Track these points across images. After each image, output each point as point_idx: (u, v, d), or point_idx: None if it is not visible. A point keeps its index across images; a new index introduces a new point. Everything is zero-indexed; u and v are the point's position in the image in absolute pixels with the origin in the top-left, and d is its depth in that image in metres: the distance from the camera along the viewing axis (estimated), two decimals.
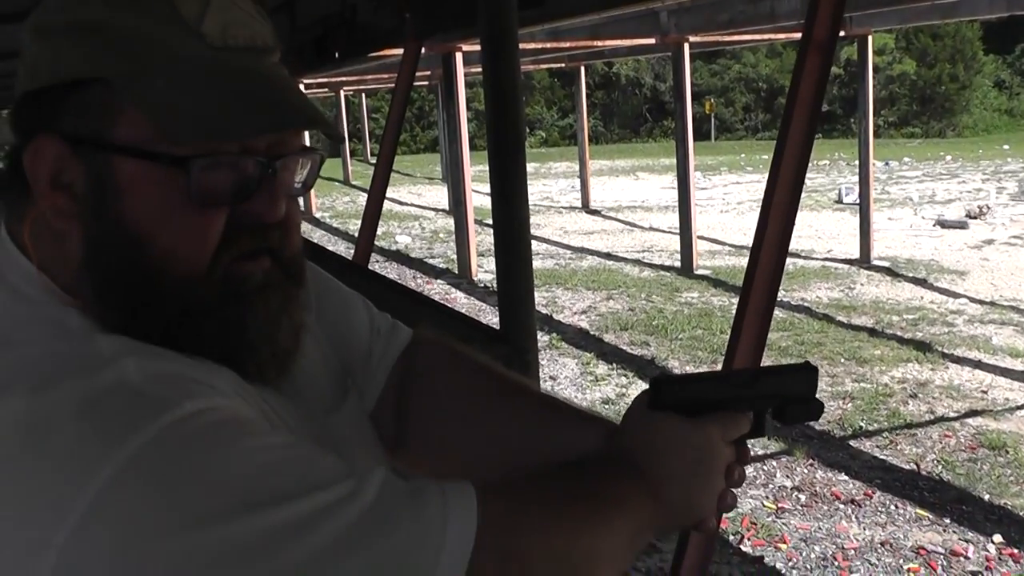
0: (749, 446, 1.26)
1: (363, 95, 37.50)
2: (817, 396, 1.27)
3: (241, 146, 1.03)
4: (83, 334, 0.98)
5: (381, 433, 1.36)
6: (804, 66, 3.64)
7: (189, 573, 0.85)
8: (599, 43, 15.46)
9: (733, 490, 1.23)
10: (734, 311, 11.15)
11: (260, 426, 0.99)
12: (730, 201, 23.02)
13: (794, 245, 4.77)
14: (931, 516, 5.74)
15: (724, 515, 1.34)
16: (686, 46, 13.87)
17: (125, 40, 1.00)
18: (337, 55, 8.11)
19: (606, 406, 7.81)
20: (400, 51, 8.26)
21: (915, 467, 6.46)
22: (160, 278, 1.01)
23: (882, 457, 6.66)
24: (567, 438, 1.30)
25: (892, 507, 5.87)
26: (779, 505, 5.94)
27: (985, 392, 7.92)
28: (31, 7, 1.08)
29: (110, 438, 0.86)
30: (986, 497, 5.98)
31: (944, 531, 5.55)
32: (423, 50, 8.35)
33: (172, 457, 0.87)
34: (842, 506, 5.92)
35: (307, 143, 1.16)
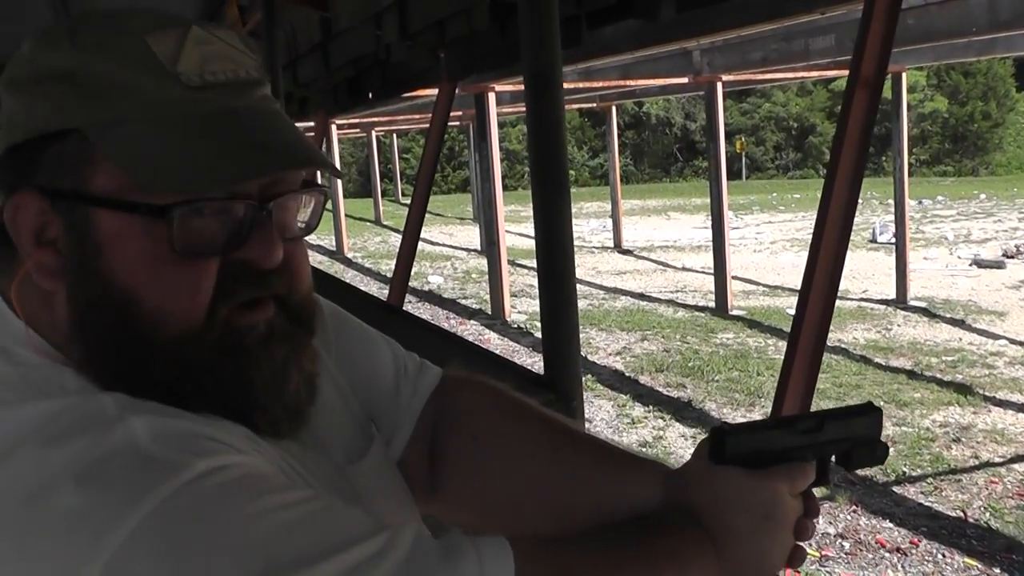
0: (816, 496, 1.18)
1: (394, 135, 37.70)
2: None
3: (229, 190, 0.96)
4: (84, 393, 0.91)
5: (412, 479, 1.28)
6: (851, 103, 3.56)
7: None
8: (631, 83, 15.44)
9: (802, 544, 1.15)
10: (770, 353, 11.01)
11: (279, 482, 0.91)
12: (763, 241, 22.90)
13: None
14: (980, 566, 5.58)
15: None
16: (719, 85, 13.82)
17: (96, 87, 0.94)
18: (371, 95, 8.10)
19: (643, 449, 7.68)
20: (432, 91, 8.24)
21: (962, 514, 6.30)
22: (152, 336, 0.95)
23: (927, 504, 6.51)
24: (618, 485, 1.21)
25: (939, 556, 5.72)
26: (823, 552, 5.80)
27: None
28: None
29: (119, 504, 0.80)
30: None
31: None
32: (456, 90, 8.33)
33: (186, 522, 0.81)
34: (887, 554, 5.77)
35: (317, 179, 1.08)
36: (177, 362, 0.96)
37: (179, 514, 0.81)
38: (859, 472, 6.98)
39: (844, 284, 14.94)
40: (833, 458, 1.18)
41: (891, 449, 7.41)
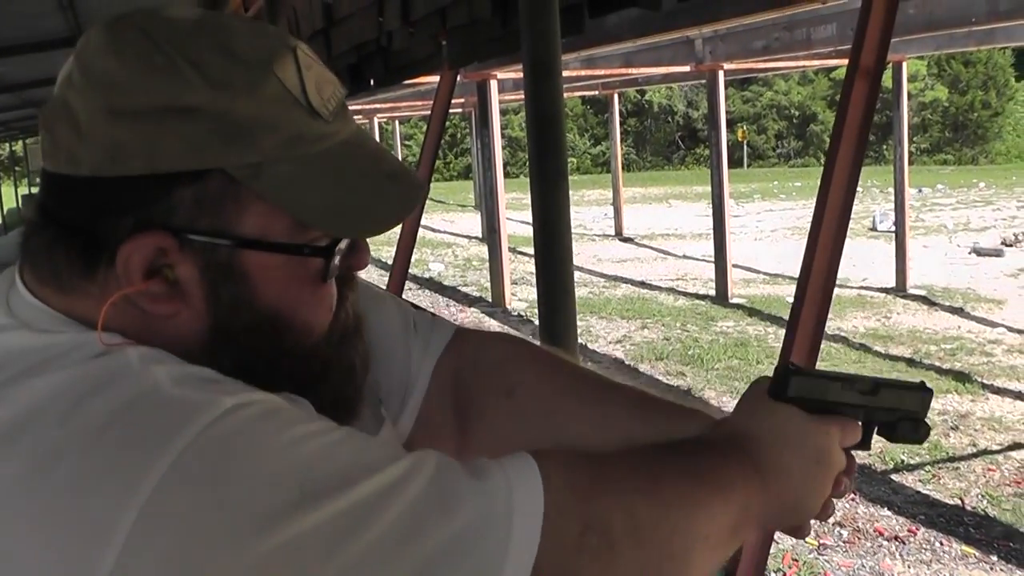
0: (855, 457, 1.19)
1: (396, 122, 37.55)
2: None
3: None
4: (107, 351, 0.91)
5: (437, 436, 1.28)
6: (851, 93, 3.56)
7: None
8: (634, 71, 15.43)
9: (834, 499, 1.17)
10: (770, 340, 10.97)
11: (302, 415, 0.92)
12: (764, 229, 22.89)
13: None
14: (977, 553, 5.60)
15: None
16: (721, 73, 13.81)
17: (238, 126, 0.91)
18: (372, 82, 8.08)
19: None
20: (434, 78, 8.23)
21: (959, 502, 6.33)
22: (299, 347, 1.01)
23: (925, 492, 6.53)
24: (665, 436, 1.18)
25: (937, 544, 5.74)
26: (820, 541, 5.81)
27: None
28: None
29: (149, 447, 0.81)
30: None
31: (991, 569, 5.42)
32: (458, 77, 8.32)
33: (218, 456, 0.82)
34: (885, 543, 5.79)
35: None
36: (318, 364, 1.03)
37: (212, 448, 0.82)
38: (857, 460, 6.99)
39: (844, 272, 14.89)
40: (876, 427, 1.20)
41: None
